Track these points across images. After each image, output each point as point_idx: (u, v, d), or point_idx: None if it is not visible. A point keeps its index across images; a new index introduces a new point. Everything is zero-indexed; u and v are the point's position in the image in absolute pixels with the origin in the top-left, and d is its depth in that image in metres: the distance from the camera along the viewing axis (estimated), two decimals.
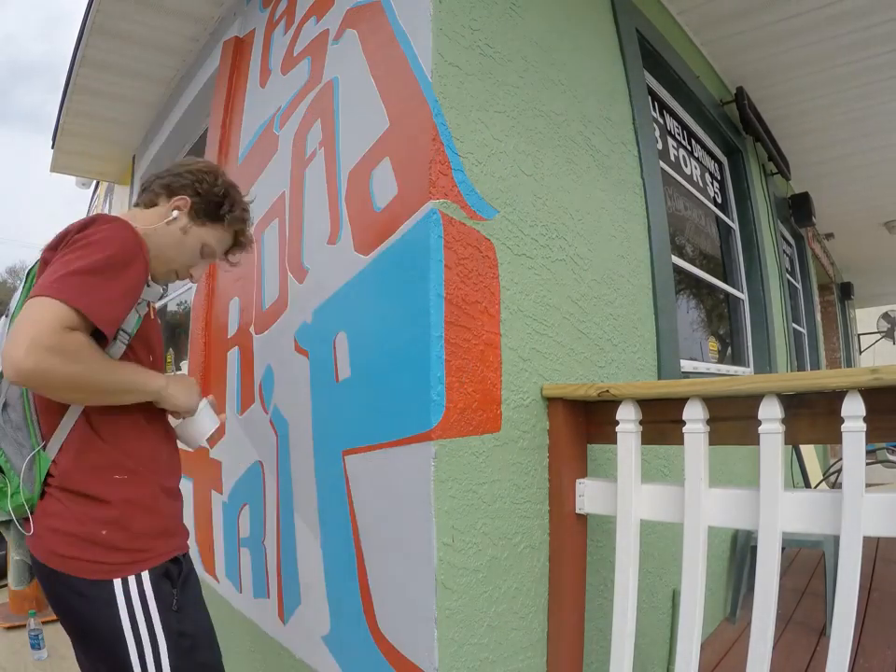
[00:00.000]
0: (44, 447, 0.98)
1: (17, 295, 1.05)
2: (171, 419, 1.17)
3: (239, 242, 1.26)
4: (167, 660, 0.96)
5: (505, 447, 1.31)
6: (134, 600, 0.95)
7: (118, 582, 0.95)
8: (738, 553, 2.51)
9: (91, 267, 0.90)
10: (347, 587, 1.35)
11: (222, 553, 1.96)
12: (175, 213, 1.14)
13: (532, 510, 1.37)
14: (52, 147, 3.86)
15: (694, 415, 1.17)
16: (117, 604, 0.94)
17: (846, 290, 7.65)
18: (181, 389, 1.08)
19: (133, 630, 0.94)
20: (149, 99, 3.26)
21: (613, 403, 1.31)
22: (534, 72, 1.53)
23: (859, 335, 8.91)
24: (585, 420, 1.44)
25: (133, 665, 0.94)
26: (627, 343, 1.79)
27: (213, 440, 1.26)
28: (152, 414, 1.09)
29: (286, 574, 1.60)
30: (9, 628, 2.59)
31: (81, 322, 0.87)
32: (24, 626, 2.48)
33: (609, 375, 1.68)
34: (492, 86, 1.38)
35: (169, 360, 3.26)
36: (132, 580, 0.96)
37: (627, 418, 1.28)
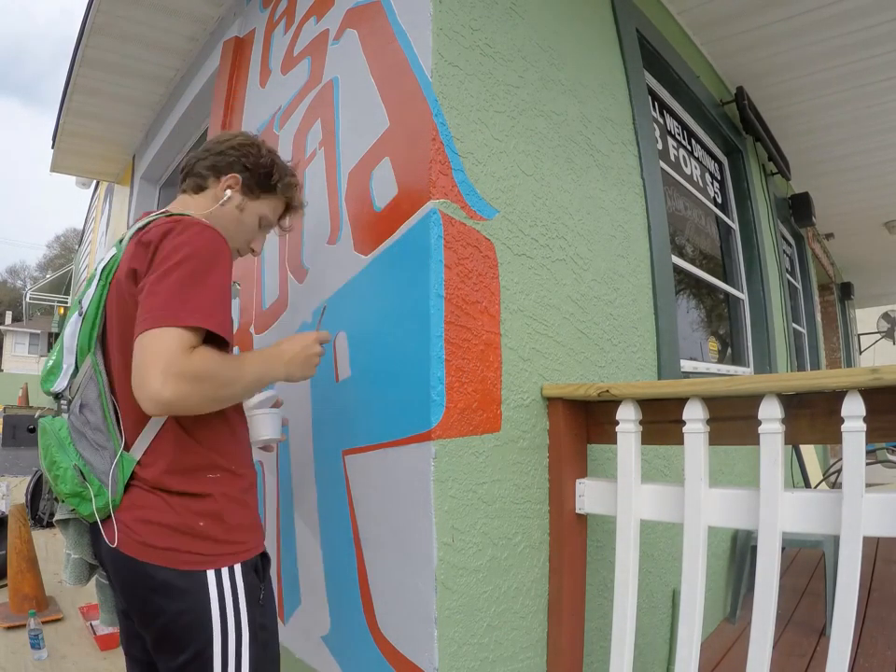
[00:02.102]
0: (126, 448, 0.96)
1: (90, 292, 1.02)
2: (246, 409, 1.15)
3: (292, 207, 1.25)
4: (247, 652, 0.95)
5: (505, 447, 1.31)
6: (226, 591, 0.94)
7: (211, 573, 0.93)
8: (738, 553, 2.51)
9: (192, 280, 0.90)
10: (347, 587, 1.35)
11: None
12: (229, 192, 1.13)
13: (532, 510, 1.37)
14: (52, 147, 3.86)
15: (694, 415, 1.17)
16: (208, 594, 0.93)
17: (846, 290, 7.65)
18: (300, 365, 1.11)
19: (221, 621, 0.93)
20: (149, 99, 3.26)
21: (613, 403, 1.31)
22: (534, 72, 1.53)
23: (859, 335, 8.91)
24: (585, 420, 1.44)
25: (215, 655, 0.93)
26: (627, 343, 1.79)
27: (270, 448, 1.25)
28: (237, 408, 1.08)
29: (286, 574, 1.60)
30: (9, 628, 2.58)
31: (199, 337, 0.89)
32: (24, 626, 2.48)
33: (609, 375, 1.68)
34: (492, 86, 1.38)
35: None
36: (224, 571, 0.95)
37: (627, 418, 1.28)
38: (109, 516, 0.94)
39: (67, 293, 11.22)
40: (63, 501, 0.98)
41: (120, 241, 1.04)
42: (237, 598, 0.95)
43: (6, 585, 2.89)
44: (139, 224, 1.02)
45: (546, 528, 1.40)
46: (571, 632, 1.37)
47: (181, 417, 0.96)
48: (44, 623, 2.52)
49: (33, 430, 10.36)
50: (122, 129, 3.62)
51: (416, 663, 1.16)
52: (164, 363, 0.83)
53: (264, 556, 1.05)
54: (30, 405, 11.59)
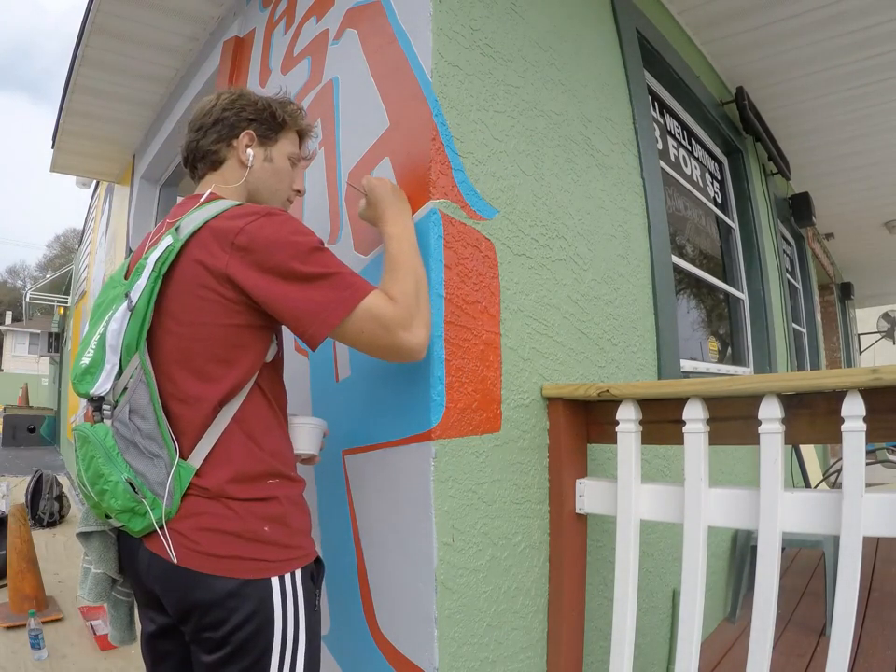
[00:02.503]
0: (183, 456, 0.89)
1: (141, 283, 0.92)
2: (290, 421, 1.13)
3: (304, 132, 1.21)
4: (303, 659, 0.92)
5: (505, 447, 1.31)
6: (288, 598, 0.91)
7: (275, 580, 0.89)
8: (738, 553, 2.51)
9: (325, 263, 0.93)
10: (347, 587, 1.35)
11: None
12: (250, 151, 1.09)
13: (532, 509, 1.37)
14: (52, 147, 3.86)
15: (694, 415, 1.17)
16: (273, 602, 0.89)
17: (846, 290, 7.65)
18: (404, 203, 1.18)
19: (282, 628, 0.89)
20: (149, 99, 3.26)
21: (613, 403, 1.31)
22: (534, 72, 1.53)
23: (859, 335, 8.91)
24: (585, 420, 1.44)
25: (273, 662, 0.89)
26: (627, 343, 1.79)
27: (308, 461, 1.22)
28: (285, 409, 1.07)
29: None
30: (9, 628, 2.59)
31: (375, 290, 0.95)
32: (24, 626, 2.48)
33: (608, 375, 1.68)
34: (492, 86, 1.38)
35: None
36: (287, 577, 0.91)
37: (627, 418, 1.28)
38: (161, 528, 0.87)
39: (67, 293, 11.22)
40: (108, 517, 0.92)
41: (176, 229, 0.95)
42: (297, 605, 0.92)
43: (6, 585, 2.89)
44: (203, 216, 0.94)
45: (546, 528, 1.40)
46: (571, 632, 1.37)
47: (243, 423, 0.93)
48: (44, 622, 2.53)
49: (33, 430, 10.37)
50: (122, 129, 3.62)
51: (416, 663, 1.16)
52: (395, 324, 0.94)
53: (318, 562, 1.01)
54: (30, 405, 11.60)
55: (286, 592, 0.90)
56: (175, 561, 0.86)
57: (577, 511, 1.39)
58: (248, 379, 0.95)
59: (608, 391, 1.29)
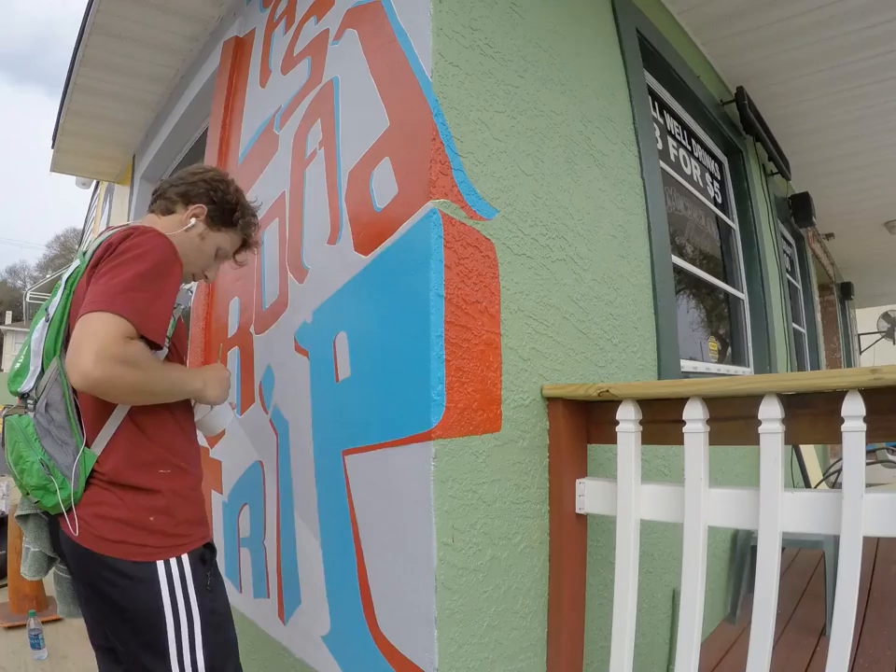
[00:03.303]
0: (87, 444, 1.04)
1: (56, 301, 1.10)
2: (196, 409, 1.25)
3: (248, 244, 1.37)
4: (200, 635, 1.04)
5: (505, 447, 1.31)
6: (175, 580, 1.03)
7: (160, 564, 1.03)
8: (738, 553, 2.51)
9: (139, 280, 0.98)
10: (347, 587, 1.35)
11: (222, 553, 1.96)
12: (193, 220, 1.23)
13: (532, 509, 1.37)
14: (52, 147, 3.86)
15: (694, 415, 1.17)
16: (159, 583, 1.02)
17: (846, 290, 7.65)
18: (216, 384, 1.19)
19: (172, 607, 1.02)
20: (149, 99, 3.26)
21: (613, 403, 1.31)
22: (534, 72, 1.53)
23: (859, 335, 8.91)
24: (585, 420, 1.44)
25: (170, 639, 1.02)
26: (627, 343, 1.79)
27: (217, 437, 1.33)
28: (186, 410, 1.19)
29: (286, 574, 1.60)
30: (9, 628, 2.59)
31: (135, 332, 0.96)
32: (24, 626, 2.48)
33: (609, 375, 1.68)
34: (492, 86, 1.38)
35: None
36: (173, 562, 1.04)
37: (627, 418, 1.28)
38: (70, 509, 1.02)
39: None
40: (27, 494, 1.06)
41: (84, 252, 1.10)
42: (186, 586, 1.04)
43: (6, 585, 2.89)
44: (101, 239, 1.09)
45: (546, 528, 1.40)
46: (571, 632, 1.37)
47: (136, 416, 1.06)
48: (44, 622, 2.53)
49: None
50: (122, 129, 3.62)
51: (416, 663, 1.16)
52: (100, 344, 0.90)
53: (210, 546, 1.14)
54: None
55: (171, 574, 1.03)
56: (77, 535, 1.02)
57: (577, 511, 1.39)
58: None
59: (608, 391, 1.29)
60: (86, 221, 6.96)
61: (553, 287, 1.49)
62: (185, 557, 1.06)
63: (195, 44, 2.76)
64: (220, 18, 2.56)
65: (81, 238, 7.70)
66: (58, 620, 2.67)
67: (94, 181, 5.21)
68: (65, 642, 2.46)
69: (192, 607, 1.05)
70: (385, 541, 1.25)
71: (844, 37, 2.75)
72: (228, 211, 1.27)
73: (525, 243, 1.42)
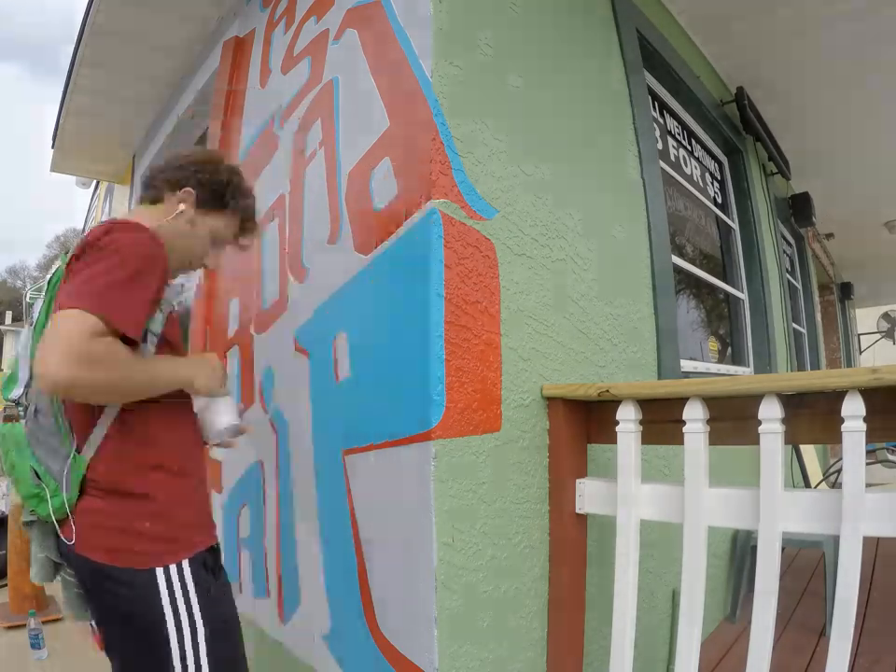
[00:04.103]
0: (78, 450, 1.00)
1: (39, 304, 1.07)
2: (195, 405, 1.17)
3: (246, 225, 1.25)
4: (204, 643, 1.00)
5: (505, 447, 1.31)
6: (175, 587, 0.99)
7: (160, 571, 0.98)
8: (738, 553, 2.51)
9: (111, 274, 0.92)
10: (347, 587, 1.35)
11: (222, 553, 1.96)
12: (182, 206, 1.14)
13: (532, 509, 1.37)
14: (52, 147, 3.86)
15: (694, 415, 1.17)
16: (159, 590, 0.97)
17: (846, 290, 7.65)
18: (208, 371, 1.11)
19: (173, 614, 0.98)
20: (149, 99, 3.26)
21: (613, 403, 1.31)
22: (534, 72, 1.52)
23: (859, 335, 8.91)
24: (585, 420, 1.44)
25: (173, 647, 0.97)
26: (627, 343, 1.79)
27: (229, 443, 1.23)
28: (184, 406, 1.12)
29: (286, 574, 1.60)
30: (9, 628, 2.59)
31: (107, 328, 0.90)
32: (24, 626, 2.48)
33: (609, 375, 1.68)
34: (492, 86, 1.38)
35: None
36: (173, 568, 0.99)
37: (627, 418, 1.28)
38: (66, 517, 0.99)
39: None
40: (24, 504, 1.02)
41: (66, 253, 1.06)
42: (187, 592, 0.99)
43: (6, 585, 2.89)
44: (82, 237, 1.06)
45: (546, 528, 1.40)
46: (571, 632, 1.37)
47: (127, 418, 1.01)
48: (44, 622, 2.52)
49: None
50: (122, 129, 3.62)
51: (416, 663, 1.16)
52: (66, 345, 0.85)
53: (213, 551, 1.09)
54: None
55: (171, 580, 0.99)
56: (76, 549, 0.98)
57: (577, 510, 1.39)
58: None
59: (608, 391, 1.29)
60: (86, 221, 6.96)
61: (552, 287, 1.49)
62: (185, 563, 1.01)
63: (195, 44, 2.76)
64: (220, 18, 2.56)
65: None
66: (58, 620, 2.67)
67: (94, 181, 5.21)
68: (65, 642, 2.46)
69: (195, 615, 1.00)
70: (385, 541, 1.25)
71: (844, 37, 2.75)
72: (217, 193, 1.17)
73: (525, 243, 1.42)
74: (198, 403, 1.16)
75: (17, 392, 1.07)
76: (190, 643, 0.98)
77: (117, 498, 0.99)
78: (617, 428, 1.30)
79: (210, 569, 1.06)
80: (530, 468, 1.37)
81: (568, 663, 1.36)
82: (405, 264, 1.24)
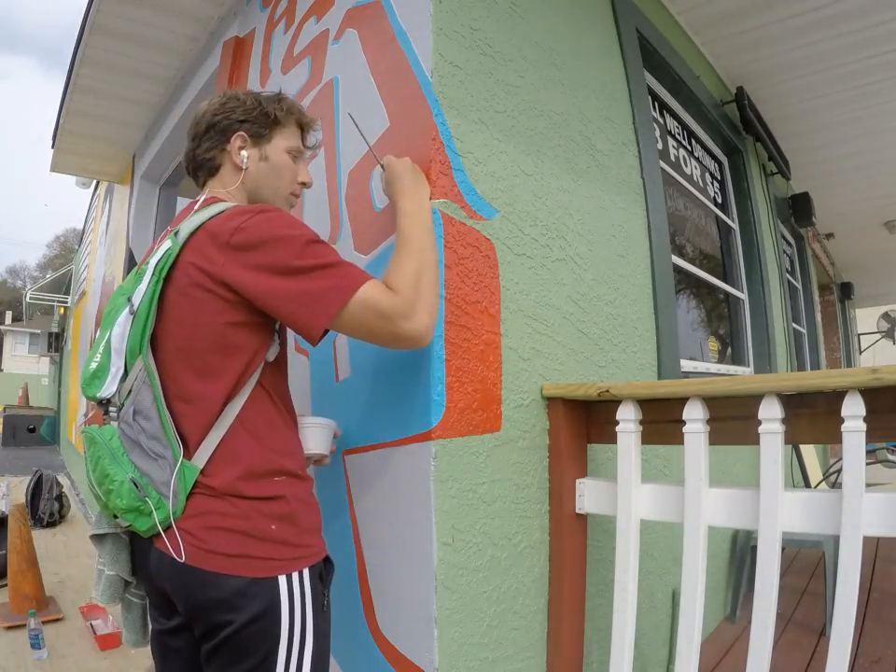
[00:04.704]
0: (188, 456, 0.90)
1: (142, 288, 0.95)
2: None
3: (304, 124, 1.17)
4: (309, 659, 0.92)
5: (505, 447, 1.31)
6: (296, 597, 0.90)
7: (282, 579, 0.89)
8: (738, 553, 2.51)
9: (318, 255, 0.92)
10: (347, 587, 1.35)
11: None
12: (244, 153, 1.07)
13: (532, 509, 1.37)
14: (52, 147, 3.86)
15: (694, 415, 1.17)
16: (280, 601, 0.88)
17: (846, 290, 7.65)
18: (422, 185, 1.15)
19: (289, 627, 0.89)
20: (149, 99, 3.26)
21: (613, 403, 1.31)
22: (534, 72, 1.53)
23: (859, 335, 8.91)
24: (585, 420, 1.44)
25: (279, 662, 0.88)
26: (627, 343, 1.79)
27: (319, 462, 1.20)
28: (291, 407, 1.07)
29: None
30: (9, 628, 2.59)
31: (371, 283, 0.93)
32: (24, 626, 2.48)
33: (609, 375, 1.68)
34: (492, 86, 1.38)
35: None
36: (295, 576, 0.91)
37: (627, 418, 1.28)
38: (169, 528, 0.88)
39: (67, 293, 11.21)
40: (115, 517, 0.92)
41: (175, 234, 0.97)
42: (305, 604, 0.91)
43: (6, 585, 2.89)
44: (199, 219, 0.95)
45: (546, 528, 1.40)
46: (571, 632, 1.37)
47: (247, 422, 0.93)
48: (44, 622, 2.53)
49: (33, 430, 10.37)
50: (122, 129, 3.62)
51: (416, 663, 1.16)
52: (393, 313, 0.91)
53: (328, 561, 1.01)
54: (30, 405, 11.59)
55: (293, 591, 0.90)
56: (183, 559, 0.87)
57: (577, 511, 1.39)
58: (249, 377, 0.95)
59: (608, 391, 1.29)
60: (86, 221, 6.97)
61: (552, 287, 1.49)
62: (306, 572, 0.92)
63: (195, 44, 2.76)
64: (220, 18, 2.56)
65: (81, 238, 7.70)
66: (58, 620, 2.67)
67: (94, 181, 5.21)
68: (65, 642, 2.46)
69: (307, 628, 0.91)
70: (385, 541, 1.25)
71: (844, 37, 2.75)
72: (262, 116, 1.08)
73: (525, 243, 1.42)
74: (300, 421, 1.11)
75: (109, 389, 0.95)
76: (296, 659, 0.90)
77: (238, 499, 0.89)
78: (617, 428, 1.30)
79: (324, 581, 0.98)
80: (530, 468, 1.37)
81: (568, 663, 1.36)
82: None
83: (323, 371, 1.48)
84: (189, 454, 0.90)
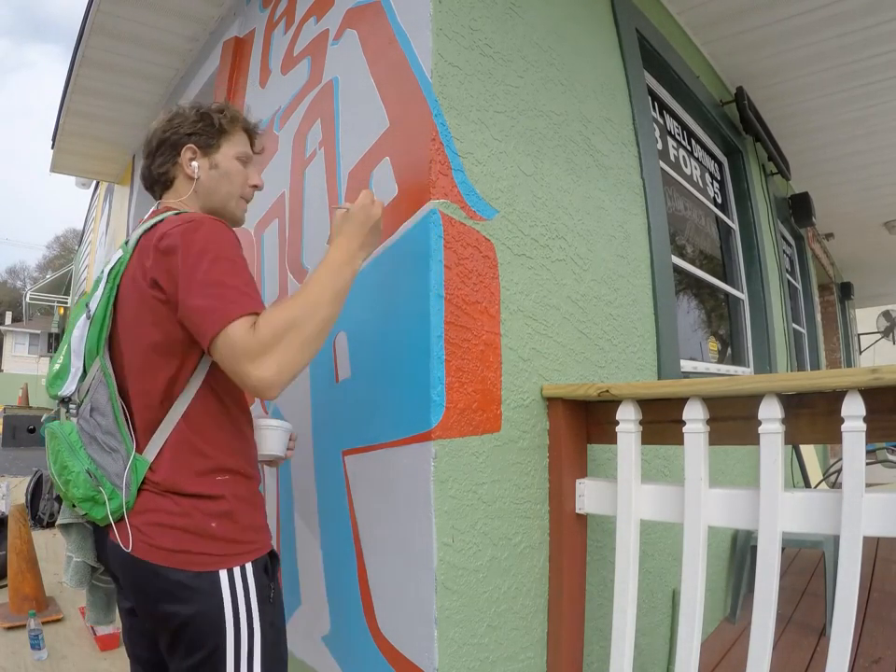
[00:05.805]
0: (139, 450, 0.96)
1: (98, 294, 1.02)
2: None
3: (249, 130, 1.21)
4: (259, 649, 0.97)
5: (505, 447, 1.31)
6: (238, 590, 0.95)
7: (223, 573, 0.94)
8: (738, 553, 2.51)
9: (224, 276, 0.92)
10: (347, 587, 1.35)
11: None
12: (194, 164, 1.12)
13: (532, 510, 1.37)
14: (52, 148, 3.86)
15: (694, 415, 1.17)
16: (222, 594, 0.94)
17: (846, 290, 7.65)
18: (359, 237, 1.07)
19: (234, 619, 0.94)
20: (149, 99, 3.26)
21: (613, 403, 1.31)
22: (534, 72, 1.53)
23: (859, 335, 8.91)
24: (585, 420, 1.44)
25: (228, 653, 0.94)
26: (627, 343, 1.79)
27: (274, 463, 1.22)
28: (243, 408, 1.09)
29: (285, 574, 1.60)
30: (9, 628, 2.58)
31: (253, 315, 0.91)
32: (24, 626, 2.48)
33: (608, 375, 1.68)
34: (492, 86, 1.38)
35: None
36: (237, 570, 0.96)
37: (627, 418, 1.28)
38: (121, 519, 0.94)
39: (67, 293, 11.22)
40: (74, 506, 0.98)
41: (126, 242, 1.04)
42: (249, 597, 0.96)
43: (6, 585, 2.88)
44: (145, 226, 1.02)
45: (546, 528, 1.40)
46: (571, 632, 1.37)
47: (191, 421, 0.97)
48: (44, 623, 2.52)
49: (33, 430, 10.36)
50: (122, 129, 3.62)
51: (416, 663, 1.16)
52: (242, 354, 0.87)
53: (273, 555, 1.05)
54: (30, 405, 11.59)
55: (234, 584, 0.95)
56: (131, 550, 0.93)
57: (577, 511, 1.39)
58: (189, 375, 0.98)
59: (608, 391, 1.29)
60: (86, 222, 6.97)
61: (552, 287, 1.49)
62: (249, 566, 0.97)
63: (195, 44, 2.76)
64: (220, 18, 2.56)
65: (81, 238, 7.70)
66: (58, 620, 2.67)
67: (94, 181, 5.21)
68: (65, 642, 2.46)
69: (254, 619, 0.96)
70: (385, 541, 1.25)
71: (844, 37, 2.75)
72: (207, 126, 1.13)
73: (525, 243, 1.42)
74: (256, 423, 1.14)
75: (69, 388, 1.02)
76: (246, 649, 0.95)
77: (182, 497, 0.95)
78: (617, 428, 1.30)
79: (269, 574, 1.02)
80: (530, 468, 1.37)
81: (568, 663, 1.36)
82: (405, 265, 1.24)
83: (323, 372, 1.48)
84: (140, 448, 0.97)
